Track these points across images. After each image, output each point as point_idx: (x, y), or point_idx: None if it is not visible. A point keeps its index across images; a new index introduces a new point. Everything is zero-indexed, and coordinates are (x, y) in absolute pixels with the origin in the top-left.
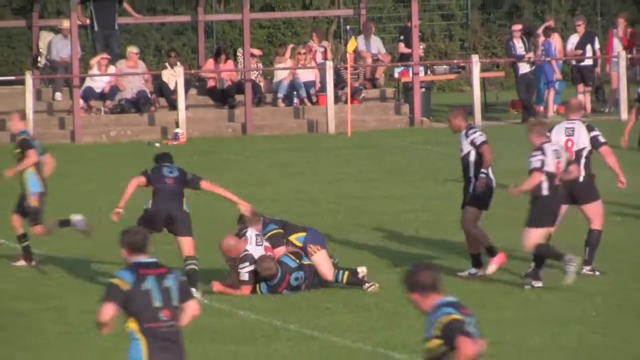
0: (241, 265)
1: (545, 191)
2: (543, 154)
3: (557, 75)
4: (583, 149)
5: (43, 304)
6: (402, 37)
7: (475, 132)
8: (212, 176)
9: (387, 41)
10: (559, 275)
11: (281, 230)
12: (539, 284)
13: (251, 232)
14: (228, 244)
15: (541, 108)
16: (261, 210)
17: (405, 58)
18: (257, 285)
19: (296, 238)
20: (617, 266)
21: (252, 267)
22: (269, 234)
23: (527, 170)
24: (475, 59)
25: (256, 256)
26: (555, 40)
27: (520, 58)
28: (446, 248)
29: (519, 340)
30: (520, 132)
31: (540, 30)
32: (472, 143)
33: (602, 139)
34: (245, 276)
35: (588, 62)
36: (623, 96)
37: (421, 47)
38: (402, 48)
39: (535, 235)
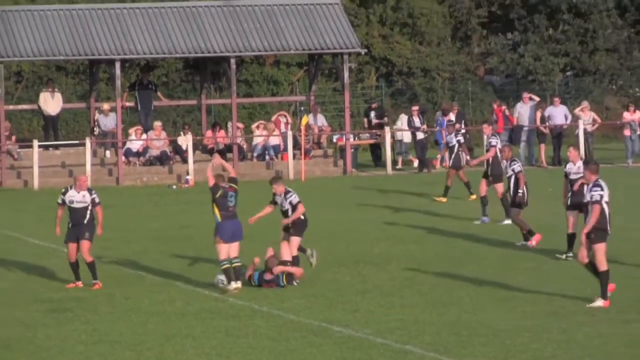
0: (288, 195)
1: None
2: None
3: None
4: None
5: (96, 291)
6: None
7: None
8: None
9: (328, 118)
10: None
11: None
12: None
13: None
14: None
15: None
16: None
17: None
18: (251, 275)
19: None
20: (483, 259)
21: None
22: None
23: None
24: (387, 129)
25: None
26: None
27: (418, 129)
28: (365, 253)
29: (415, 318)
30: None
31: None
32: (513, 170)
33: None
34: (295, 199)
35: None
36: None
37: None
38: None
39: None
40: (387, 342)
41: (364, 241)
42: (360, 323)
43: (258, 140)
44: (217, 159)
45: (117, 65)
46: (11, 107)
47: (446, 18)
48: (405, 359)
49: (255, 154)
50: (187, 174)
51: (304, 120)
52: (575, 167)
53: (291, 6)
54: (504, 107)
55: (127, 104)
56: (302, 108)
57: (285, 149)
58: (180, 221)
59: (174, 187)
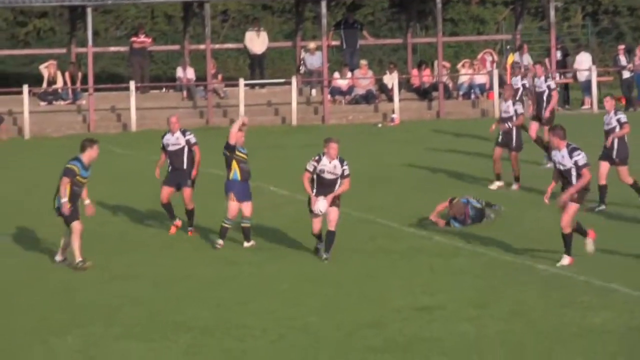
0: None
1: None
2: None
3: None
4: None
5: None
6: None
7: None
8: (415, 142)
9: (534, 57)
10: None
11: None
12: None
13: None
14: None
15: None
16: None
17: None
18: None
19: None
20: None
21: None
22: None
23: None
24: (593, 68)
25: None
26: None
27: (624, 68)
28: None
29: (619, 258)
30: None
31: (638, 49)
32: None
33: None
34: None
35: None
36: None
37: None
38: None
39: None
40: (590, 280)
41: None
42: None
43: (464, 79)
44: (246, 119)
45: (323, 4)
46: (217, 46)
47: None
48: (608, 297)
49: (461, 93)
50: (393, 112)
51: (510, 58)
52: (608, 118)
53: None
54: None
55: (333, 42)
56: (508, 47)
57: (492, 88)
58: (385, 160)
59: (380, 125)
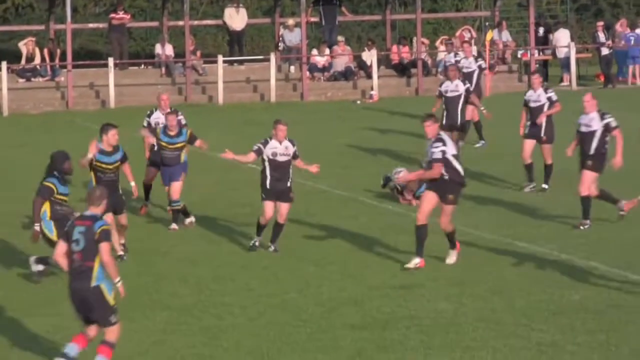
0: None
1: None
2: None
3: None
4: None
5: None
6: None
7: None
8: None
9: (513, 33)
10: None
11: None
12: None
13: None
14: None
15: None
16: None
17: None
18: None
19: None
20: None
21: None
22: None
23: None
24: (572, 44)
25: None
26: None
27: (602, 45)
28: None
29: (599, 235)
30: (601, 94)
31: (617, 26)
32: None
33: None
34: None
35: None
36: None
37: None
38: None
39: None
40: (569, 258)
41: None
42: (545, 239)
43: (442, 56)
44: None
45: None
46: (196, 22)
47: None
48: (587, 274)
49: (439, 70)
50: (372, 89)
51: (489, 35)
52: (536, 95)
53: None
54: None
55: (312, 19)
56: (487, 23)
57: None
58: (364, 136)
59: (359, 102)
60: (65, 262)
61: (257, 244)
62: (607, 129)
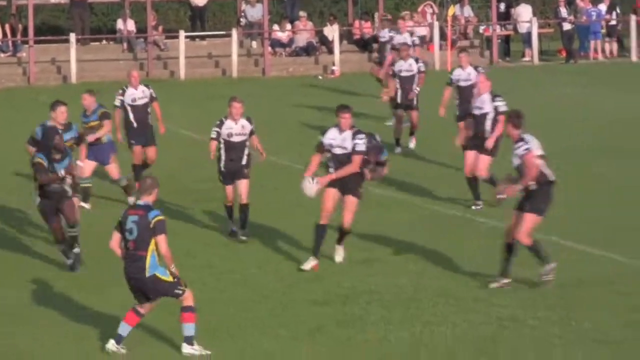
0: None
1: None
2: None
3: None
4: None
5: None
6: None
7: None
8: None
9: (475, 8)
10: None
11: None
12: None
13: None
14: None
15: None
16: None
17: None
18: None
19: None
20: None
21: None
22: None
23: None
24: (534, 20)
25: None
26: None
27: (564, 20)
28: None
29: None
30: (563, 69)
31: (579, 1)
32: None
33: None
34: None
35: (613, 22)
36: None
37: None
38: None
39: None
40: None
41: None
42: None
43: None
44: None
45: None
46: None
47: None
48: (548, 250)
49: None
50: (333, 64)
51: (451, 10)
52: (465, 74)
53: None
54: None
55: None
56: None
57: (432, 40)
58: (325, 112)
59: (320, 77)
60: (119, 251)
61: (234, 228)
62: (497, 112)
